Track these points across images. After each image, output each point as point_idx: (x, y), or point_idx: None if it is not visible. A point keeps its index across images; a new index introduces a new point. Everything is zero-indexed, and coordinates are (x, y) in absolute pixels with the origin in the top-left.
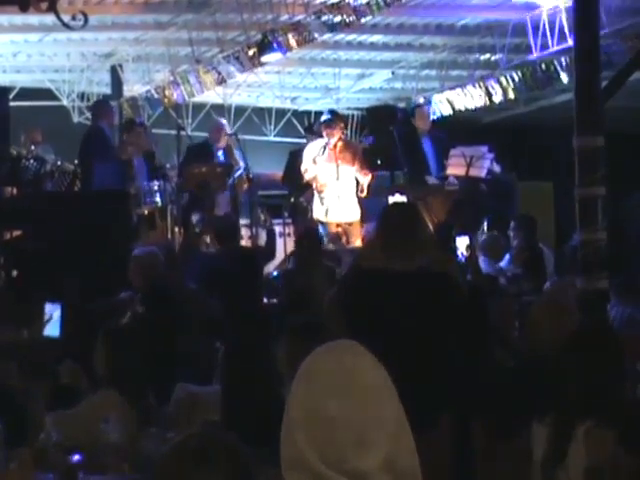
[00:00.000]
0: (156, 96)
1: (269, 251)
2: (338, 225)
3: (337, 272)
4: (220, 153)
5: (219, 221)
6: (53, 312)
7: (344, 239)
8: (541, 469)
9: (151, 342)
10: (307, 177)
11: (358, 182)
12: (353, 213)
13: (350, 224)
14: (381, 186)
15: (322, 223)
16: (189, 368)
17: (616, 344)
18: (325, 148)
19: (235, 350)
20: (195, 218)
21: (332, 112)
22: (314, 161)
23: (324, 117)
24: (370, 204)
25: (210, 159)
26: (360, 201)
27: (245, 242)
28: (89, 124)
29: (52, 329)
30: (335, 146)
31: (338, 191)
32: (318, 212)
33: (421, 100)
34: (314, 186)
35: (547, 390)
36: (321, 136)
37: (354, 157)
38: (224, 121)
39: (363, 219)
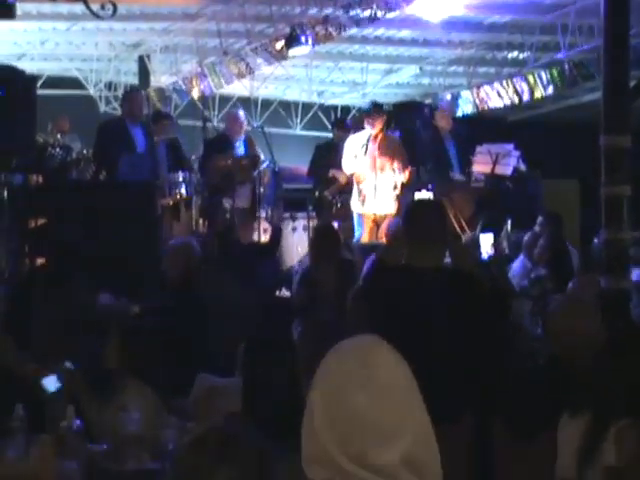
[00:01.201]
0: (183, 87)
1: (270, 247)
2: (374, 217)
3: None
4: (239, 144)
5: None
6: None
7: (377, 232)
8: (576, 466)
9: (177, 332)
10: (347, 172)
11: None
12: (388, 206)
13: (384, 217)
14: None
15: (359, 214)
16: (213, 358)
17: None
18: (367, 143)
19: (256, 342)
20: (228, 204)
21: (374, 103)
22: (355, 156)
23: (366, 107)
24: (401, 199)
25: (230, 151)
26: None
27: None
28: (116, 114)
29: None
30: (376, 137)
31: (375, 183)
32: (355, 203)
33: (448, 97)
34: (353, 178)
35: (577, 388)
36: (359, 129)
37: (394, 151)
38: (240, 112)
39: (398, 213)
